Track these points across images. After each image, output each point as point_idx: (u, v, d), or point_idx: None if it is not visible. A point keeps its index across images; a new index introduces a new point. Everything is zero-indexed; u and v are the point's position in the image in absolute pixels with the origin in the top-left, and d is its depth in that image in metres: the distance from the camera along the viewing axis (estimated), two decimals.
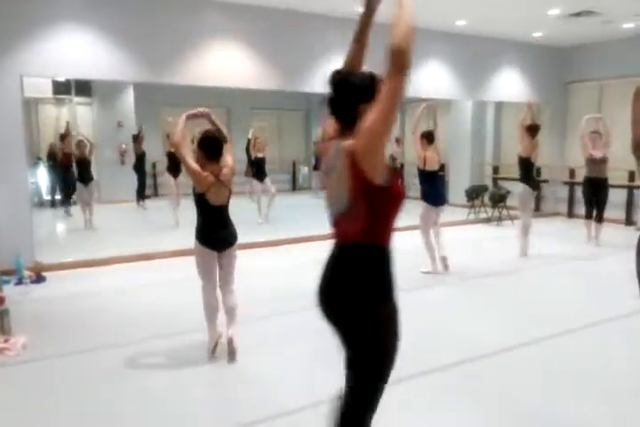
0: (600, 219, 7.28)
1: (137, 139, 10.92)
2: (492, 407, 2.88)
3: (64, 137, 9.94)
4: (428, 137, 5.63)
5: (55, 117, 11.54)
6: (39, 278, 5.49)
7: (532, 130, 6.28)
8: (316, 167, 13.01)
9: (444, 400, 2.97)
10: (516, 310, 4.57)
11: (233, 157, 3.50)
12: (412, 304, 4.59)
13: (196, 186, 3.37)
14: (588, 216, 7.41)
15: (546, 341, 3.81)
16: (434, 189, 5.70)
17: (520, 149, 6.42)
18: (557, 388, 3.09)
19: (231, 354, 3.37)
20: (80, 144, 8.96)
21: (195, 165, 3.32)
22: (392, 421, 2.75)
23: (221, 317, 3.53)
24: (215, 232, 3.41)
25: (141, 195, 11.08)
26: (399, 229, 1.88)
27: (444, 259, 5.59)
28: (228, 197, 3.45)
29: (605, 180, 7.28)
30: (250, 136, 12.31)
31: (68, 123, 10.26)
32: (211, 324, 3.54)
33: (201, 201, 3.38)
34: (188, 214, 9.58)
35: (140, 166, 11.01)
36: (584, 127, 7.34)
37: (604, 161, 7.24)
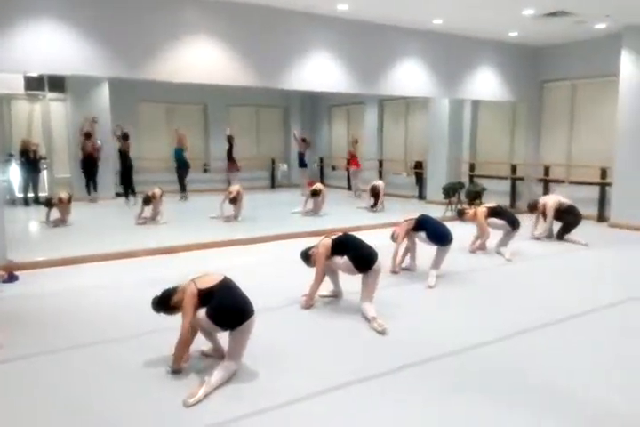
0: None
1: (125, 137, 10.89)
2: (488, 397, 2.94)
3: (89, 135, 10.88)
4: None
5: (28, 113, 11.31)
6: (11, 277, 5.36)
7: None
8: (301, 164, 12.99)
9: (445, 391, 3.01)
10: (498, 303, 4.65)
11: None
12: (400, 300, 4.64)
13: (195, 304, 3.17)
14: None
15: (530, 332, 3.89)
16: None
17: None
18: (556, 376, 3.16)
19: (185, 402, 2.86)
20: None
21: (189, 319, 3.14)
22: (389, 413, 2.78)
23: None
24: (230, 306, 3.16)
25: (127, 192, 10.98)
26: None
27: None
28: (220, 276, 3.27)
29: None
30: (227, 133, 12.43)
31: (93, 118, 10.95)
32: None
33: (202, 300, 3.17)
34: (169, 207, 9.44)
35: (124, 163, 10.98)
36: None
37: None
